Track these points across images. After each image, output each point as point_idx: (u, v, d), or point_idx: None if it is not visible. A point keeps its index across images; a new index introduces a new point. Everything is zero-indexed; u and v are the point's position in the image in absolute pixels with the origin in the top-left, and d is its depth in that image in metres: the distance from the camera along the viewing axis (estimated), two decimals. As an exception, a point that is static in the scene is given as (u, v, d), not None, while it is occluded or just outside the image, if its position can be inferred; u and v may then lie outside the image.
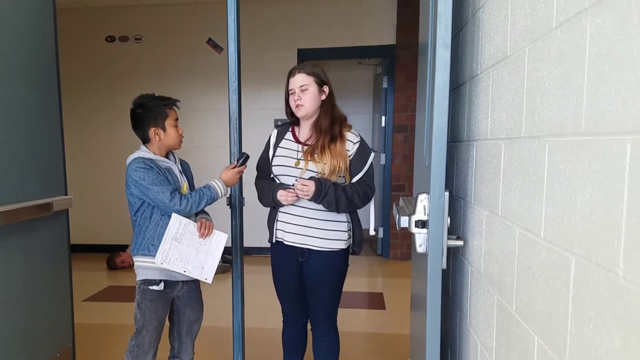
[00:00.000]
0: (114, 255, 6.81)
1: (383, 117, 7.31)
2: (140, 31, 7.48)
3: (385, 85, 7.23)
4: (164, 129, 2.70)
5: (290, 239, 2.81)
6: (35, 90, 2.86)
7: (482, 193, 1.65)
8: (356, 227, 2.88)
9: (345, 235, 2.82)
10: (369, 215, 3.01)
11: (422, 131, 2.01)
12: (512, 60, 1.35)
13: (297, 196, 2.69)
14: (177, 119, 2.77)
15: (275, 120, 7.29)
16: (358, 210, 2.90)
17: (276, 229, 2.86)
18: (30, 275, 2.82)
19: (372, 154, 2.82)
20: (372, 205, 2.92)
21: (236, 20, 2.95)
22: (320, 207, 2.71)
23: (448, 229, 1.65)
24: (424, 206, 1.66)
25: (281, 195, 2.71)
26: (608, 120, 0.83)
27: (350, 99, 8.76)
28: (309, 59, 7.01)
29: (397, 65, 6.99)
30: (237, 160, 2.86)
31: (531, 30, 1.20)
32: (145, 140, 2.74)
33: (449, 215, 1.65)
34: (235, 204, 3.08)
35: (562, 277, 1.00)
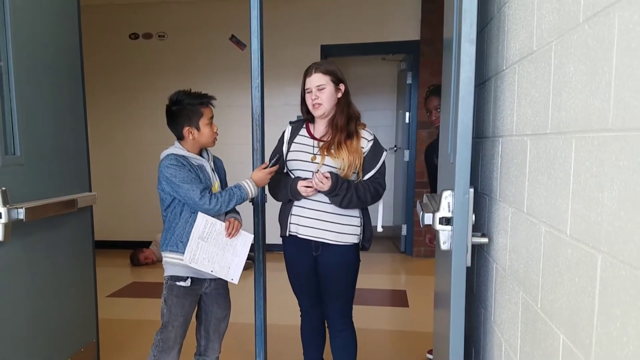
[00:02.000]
0: (137, 252, 6.88)
1: (407, 114, 7.28)
2: (163, 28, 7.54)
3: (409, 81, 7.20)
4: (198, 129, 2.71)
5: (304, 233, 2.85)
6: (59, 88, 2.89)
7: (507, 190, 1.64)
8: (367, 222, 2.94)
9: (357, 230, 2.88)
10: (377, 212, 3.03)
11: (447, 127, 2.00)
12: (538, 55, 1.34)
13: (316, 190, 2.72)
14: (212, 117, 2.77)
15: (298, 117, 7.28)
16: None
17: (290, 223, 2.89)
18: (55, 271, 2.85)
19: (385, 153, 2.88)
20: (380, 202, 2.95)
21: (259, 16, 2.96)
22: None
23: (473, 226, 1.64)
24: (449, 203, 1.65)
25: (302, 185, 2.74)
26: (636, 115, 0.82)
27: (374, 95, 8.74)
28: (332, 55, 7.02)
29: (421, 61, 6.95)
30: (270, 161, 2.86)
31: (558, 25, 1.19)
32: (180, 138, 2.76)
33: (473, 212, 1.64)
34: (258, 202, 3.10)
35: (588, 274, 0.99)
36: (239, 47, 7.30)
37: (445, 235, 1.68)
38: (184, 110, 2.70)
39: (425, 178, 6.95)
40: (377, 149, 2.85)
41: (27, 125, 2.59)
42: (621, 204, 0.86)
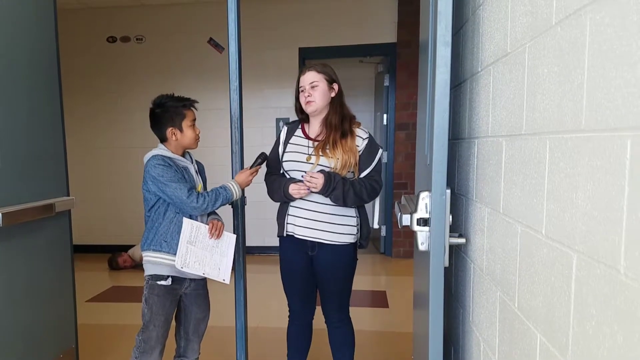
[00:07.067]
0: (115, 256, 6.83)
1: (385, 115, 7.30)
2: (141, 31, 7.49)
3: (386, 83, 7.22)
4: (181, 130, 2.75)
5: (301, 233, 2.87)
6: (36, 91, 2.86)
7: (483, 190, 1.65)
8: (363, 221, 2.96)
9: (354, 230, 2.89)
10: (373, 210, 3.06)
11: (424, 129, 2.01)
12: (512, 57, 1.35)
13: (308, 189, 2.74)
14: (194, 119, 2.82)
15: (277, 119, 7.30)
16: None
17: (287, 223, 2.91)
18: (33, 276, 2.82)
19: (381, 151, 2.90)
20: (377, 200, 2.99)
21: (237, 19, 2.96)
22: (330, 201, 2.78)
23: (450, 226, 1.65)
24: (426, 204, 1.66)
25: (293, 189, 2.77)
26: (608, 116, 0.83)
27: (352, 97, 8.68)
28: (311, 58, 7.03)
29: (398, 63, 6.98)
30: (255, 160, 2.91)
31: (531, 27, 1.20)
32: (163, 139, 2.79)
33: (450, 213, 1.65)
34: (237, 204, 3.09)
35: (564, 274, 1.00)
36: (217, 50, 7.28)
37: (423, 236, 1.69)
38: (167, 112, 2.74)
39: (403, 179, 7.02)
40: (372, 147, 2.87)
41: (3, 130, 2.56)
42: (595, 203, 0.87)
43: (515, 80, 1.32)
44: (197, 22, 7.29)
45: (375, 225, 3.10)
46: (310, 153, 2.84)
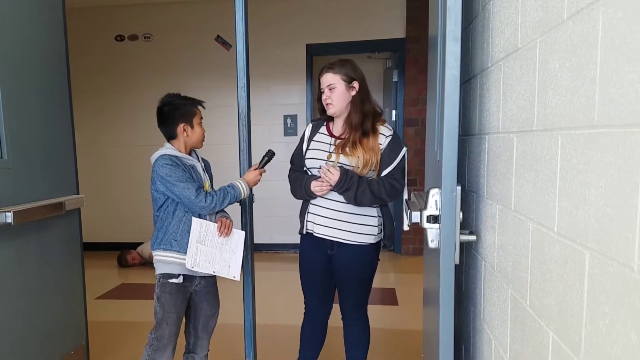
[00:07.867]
0: (124, 253, 6.86)
1: (394, 111, 7.28)
2: (149, 30, 7.50)
3: (395, 79, 7.19)
4: (192, 127, 2.78)
5: (320, 231, 2.86)
6: (45, 90, 2.88)
7: (494, 187, 1.64)
8: (387, 221, 2.92)
9: (375, 230, 2.86)
10: (402, 211, 3.05)
11: (433, 125, 2.00)
12: (523, 52, 1.34)
13: (330, 185, 2.72)
14: (201, 118, 2.84)
15: (285, 116, 7.30)
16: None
17: (307, 221, 2.92)
18: (44, 273, 2.84)
19: (404, 149, 2.83)
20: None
21: (244, 16, 2.96)
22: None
23: (460, 223, 1.64)
24: (436, 201, 1.65)
25: (315, 186, 2.77)
26: (621, 112, 0.82)
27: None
28: (318, 54, 7.02)
29: (407, 58, 6.96)
30: (263, 158, 2.92)
31: (542, 22, 1.19)
32: (171, 137, 2.80)
33: (461, 209, 1.64)
34: (245, 201, 3.09)
35: (576, 271, 0.99)
36: (224, 48, 7.27)
37: (433, 233, 1.68)
38: (178, 109, 2.76)
39: (413, 176, 6.99)
40: (394, 144, 2.81)
41: (14, 129, 2.57)
42: (608, 200, 0.86)
43: (526, 76, 1.31)
44: (205, 20, 7.30)
45: (406, 227, 3.05)
46: (331, 151, 2.82)
